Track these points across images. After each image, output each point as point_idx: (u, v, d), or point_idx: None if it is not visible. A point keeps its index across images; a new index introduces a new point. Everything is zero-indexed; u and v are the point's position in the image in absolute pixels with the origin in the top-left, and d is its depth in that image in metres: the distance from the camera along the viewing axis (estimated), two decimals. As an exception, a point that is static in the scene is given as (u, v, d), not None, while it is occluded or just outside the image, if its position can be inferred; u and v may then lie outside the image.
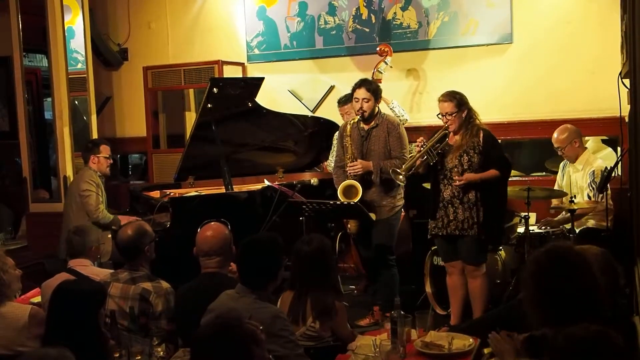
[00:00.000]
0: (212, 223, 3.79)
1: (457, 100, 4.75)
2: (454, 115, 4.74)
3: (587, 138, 5.79)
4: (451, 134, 4.82)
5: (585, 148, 5.50)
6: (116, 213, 5.94)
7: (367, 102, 5.19)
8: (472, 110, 4.80)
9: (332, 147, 6.18)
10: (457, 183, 4.69)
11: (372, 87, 5.24)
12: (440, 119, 4.82)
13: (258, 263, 3.28)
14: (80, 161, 6.54)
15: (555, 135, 5.45)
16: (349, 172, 5.21)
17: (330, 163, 6.21)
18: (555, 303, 2.46)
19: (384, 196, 5.21)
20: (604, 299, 2.50)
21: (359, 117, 5.24)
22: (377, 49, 6.32)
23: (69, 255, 4.23)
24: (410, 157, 4.92)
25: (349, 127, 5.30)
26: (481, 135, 4.76)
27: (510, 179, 6.16)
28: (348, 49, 6.96)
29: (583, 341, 2.09)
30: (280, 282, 3.42)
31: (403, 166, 4.85)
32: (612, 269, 2.89)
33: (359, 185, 5.14)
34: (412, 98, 6.67)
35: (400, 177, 4.83)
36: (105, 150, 5.85)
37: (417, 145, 4.82)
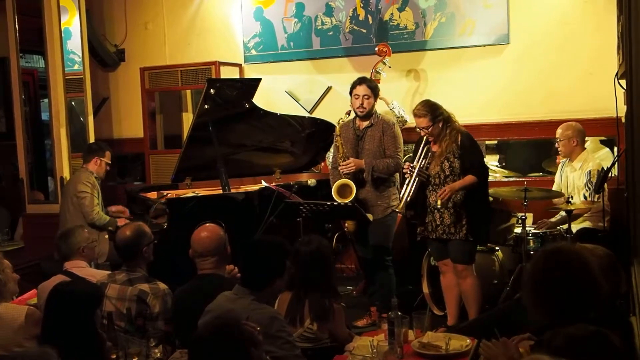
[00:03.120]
0: (207, 224, 3.79)
1: (430, 115, 4.76)
2: (430, 128, 4.77)
3: (586, 138, 5.79)
4: (431, 142, 4.86)
5: (584, 149, 5.50)
6: (113, 215, 5.94)
7: (367, 98, 5.21)
8: (448, 117, 4.81)
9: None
10: (442, 199, 4.72)
11: (372, 85, 5.28)
12: (418, 131, 4.84)
13: (262, 264, 3.27)
14: (78, 162, 6.54)
15: (559, 129, 5.48)
16: (342, 171, 5.22)
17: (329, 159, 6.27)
18: (553, 303, 2.46)
19: (378, 196, 5.22)
20: (603, 300, 2.50)
21: (349, 116, 5.25)
22: (376, 48, 6.32)
23: (60, 259, 4.24)
24: (403, 191, 4.90)
25: (337, 127, 5.33)
26: (459, 139, 4.77)
27: (507, 180, 6.23)
28: (345, 49, 6.96)
29: (581, 341, 2.09)
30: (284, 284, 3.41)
31: (400, 204, 4.85)
32: (616, 273, 2.89)
33: (352, 184, 5.15)
34: (411, 99, 6.67)
35: (402, 214, 4.95)
36: (108, 156, 5.95)
37: (406, 171, 4.87)
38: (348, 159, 5.21)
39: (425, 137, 4.82)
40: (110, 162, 5.97)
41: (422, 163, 4.82)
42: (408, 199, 4.83)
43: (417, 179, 4.79)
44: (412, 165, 4.84)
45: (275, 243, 3.38)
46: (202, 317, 3.15)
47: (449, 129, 4.79)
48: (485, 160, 6.47)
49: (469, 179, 4.72)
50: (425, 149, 4.84)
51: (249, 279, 3.27)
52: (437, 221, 4.82)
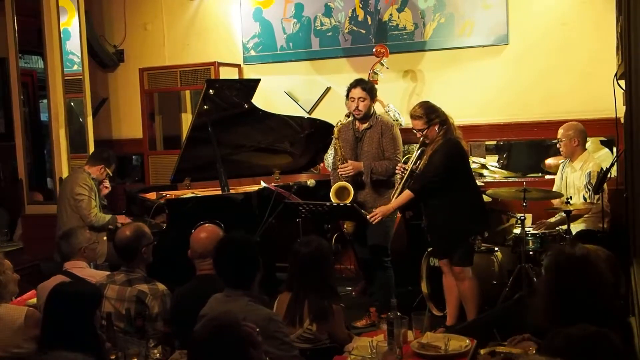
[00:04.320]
0: (206, 225, 3.79)
1: (425, 117, 4.74)
2: (424, 131, 4.76)
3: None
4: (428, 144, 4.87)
5: (585, 149, 5.50)
6: (112, 214, 5.93)
7: (363, 101, 5.21)
8: (445, 120, 4.78)
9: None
10: (374, 222, 4.84)
11: (368, 87, 5.27)
12: (415, 132, 4.84)
13: (240, 263, 3.26)
14: (76, 163, 6.54)
15: (561, 130, 5.48)
16: (340, 173, 5.22)
17: (328, 159, 6.27)
18: (568, 304, 2.45)
19: (377, 198, 5.22)
20: (608, 302, 2.50)
21: (348, 118, 5.26)
22: (374, 49, 6.33)
23: (60, 259, 4.24)
24: (394, 190, 4.93)
25: (335, 130, 5.33)
26: (438, 144, 4.76)
27: (506, 180, 6.23)
28: (344, 50, 6.96)
29: (581, 341, 2.09)
30: (261, 276, 3.40)
31: (392, 203, 4.87)
32: (615, 274, 2.89)
33: (350, 187, 5.16)
34: (408, 100, 6.67)
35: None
36: (112, 169, 6.01)
37: (398, 172, 4.91)
38: (346, 162, 5.21)
39: (422, 139, 4.83)
40: (111, 174, 6.04)
41: (417, 164, 4.83)
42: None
43: (409, 180, 4.80)
44: (404, 166, 4.88)
45: (242, 238, 3.39)
46: (197, 323, 3.14)
47: (438, 137, 4.77)
48: (484, 161, 6.53)
49: (405, 195, 4.76)
50: (420, 151, 4.85)
51: (229, 280, 3.26)
52: (430, 220, 4.88)
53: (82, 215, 5.61)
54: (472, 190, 4.92)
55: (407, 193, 4.76)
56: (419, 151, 4.85)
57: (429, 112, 4.76)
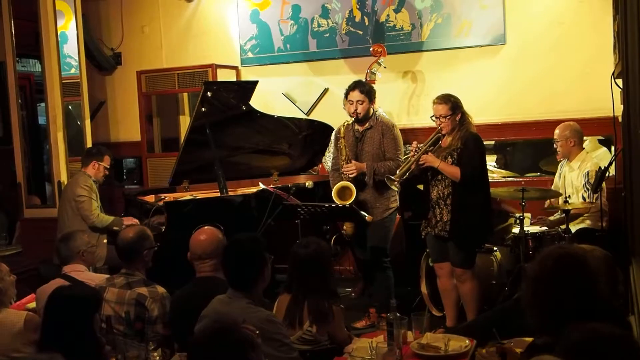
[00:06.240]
0: (205, 227, 3.80)
1: (452, 104, 4.76)
2: (447, 117, 4.75)
3: (584, 138, 5.80)
4: (443, 136, 4.83)
5: (583, 149, 5.51)
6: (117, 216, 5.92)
7: (361, 103, 5.21)
8: (465, 114, 4.81)
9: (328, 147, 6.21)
10: (421, 161, 4.73)
11: (366, 89, 5.27)
12: (434, 121, 4.83)
13: (243, 263, 3.27)
14: (75, 166, 6.54)
15: (557, 130, 5.48)
16: (343, 173, 5.22)
17: (327, 161, 6.25)
18: (555, 307, 2.45)
19: (378, 197, 5.22)
20: (602, 302, 2.49)
21: (353, 118, 5.25)
22: (371, 49, 6.33)
23: (59, 262, 4.24)
24: (405, 162, 4.92)
25: (342, 128, 5.32)
26: (465, 138, 4.76)
27: (504, 180, 6.23)
28: (341, 51, 6.96)
29: (600, 340, 2.06)
30: (269, 281, 3.40)
31: (397, 172, 4.85)
32: (613, 274, 2.89)
33: (353, 186, 5.15)
34: (408, 100, 6.68)
35: (395, 183, 4.85)
36: (107, 160, 5.93)
37: (412, 150, 4.84)
38: (350, 162, 5.20)
39: (440, 128, 4.78)
40: (109, 166, 5.94)
41: (430, 149, 4.80)
42: (406, 175, 4.80)
43: (418, 160, 4.77)
44: (419, 145, 4.83)
45: (248, 240, 3.38)
46: (197, 323, 3.14)
47: (463, 126, 4.77)
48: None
49: (454, 170, 4.68)
50: (436, 137, 4.82)
51: (236, 281, 3.27)
52: (437, 217, 4.83)
53: (84, 216, 5.61)
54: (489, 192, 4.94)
55: (457, 170, 4.67)
56: (435, 137, 4.82)
57: (455, 101, 4.78)
